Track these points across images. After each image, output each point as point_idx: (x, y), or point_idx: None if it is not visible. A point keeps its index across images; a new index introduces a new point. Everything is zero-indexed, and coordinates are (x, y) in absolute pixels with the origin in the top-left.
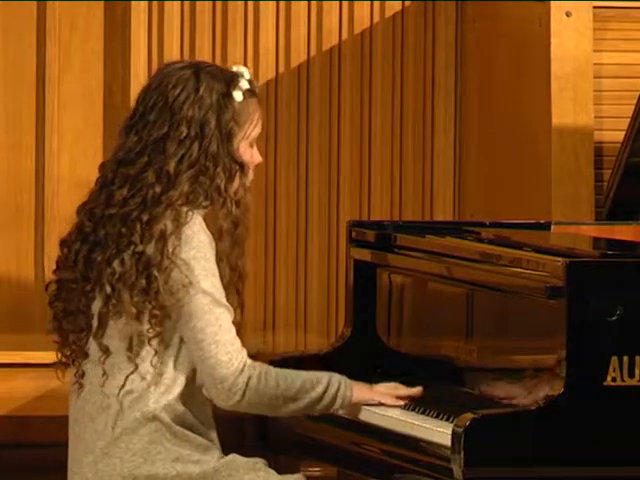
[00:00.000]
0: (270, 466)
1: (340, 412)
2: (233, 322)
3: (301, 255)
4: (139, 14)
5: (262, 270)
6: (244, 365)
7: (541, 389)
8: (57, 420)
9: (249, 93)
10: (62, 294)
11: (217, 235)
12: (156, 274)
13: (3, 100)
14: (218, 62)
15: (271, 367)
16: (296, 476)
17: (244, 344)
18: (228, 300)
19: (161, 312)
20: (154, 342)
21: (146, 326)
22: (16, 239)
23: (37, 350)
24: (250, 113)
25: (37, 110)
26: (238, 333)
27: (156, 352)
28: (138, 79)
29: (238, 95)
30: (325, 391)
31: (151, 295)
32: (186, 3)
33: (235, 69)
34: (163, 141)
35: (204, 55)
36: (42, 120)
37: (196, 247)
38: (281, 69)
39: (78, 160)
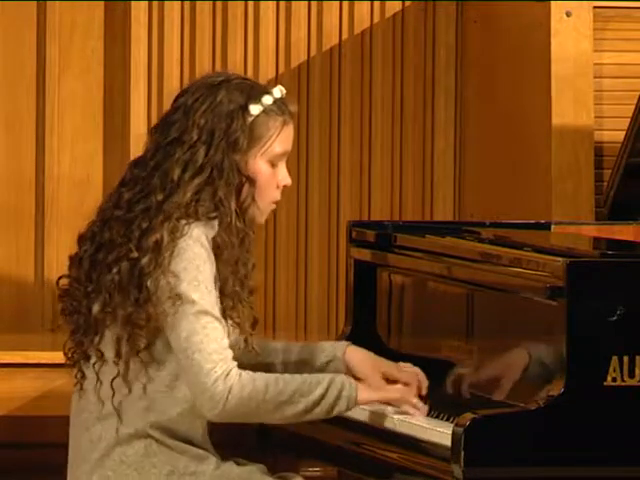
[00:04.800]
0: (270, 466)
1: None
2: (228, 336)
3: (301, 255)
4: (139, 14)
5: (262, 270)
6: (227, 373)
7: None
8: (57, 420)
9: (273, 110)
10: (70, 290)
11: (220, 246)
12: (147, 284)
13: (3, 100)
14: (218, 62)
15: (263, 374)
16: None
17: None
18: (239, 315)
19: (149, 323)
20: (143, 355)
21: (136, 336)
22: (16, 239)
23: (37, 350)
24: (269, 129)
25: (37, 110)
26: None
27: (146, 368)
28: (138, 79)
29: (255, 109)
30: (326, 392)
31: (141, 305)
32: (186, 3)
33: (271, 87)
34: (174, 145)
35: (204, 55)
36: (42, 120)
37: (188, 259)
38: (281, 69)
39: (78, 160)
